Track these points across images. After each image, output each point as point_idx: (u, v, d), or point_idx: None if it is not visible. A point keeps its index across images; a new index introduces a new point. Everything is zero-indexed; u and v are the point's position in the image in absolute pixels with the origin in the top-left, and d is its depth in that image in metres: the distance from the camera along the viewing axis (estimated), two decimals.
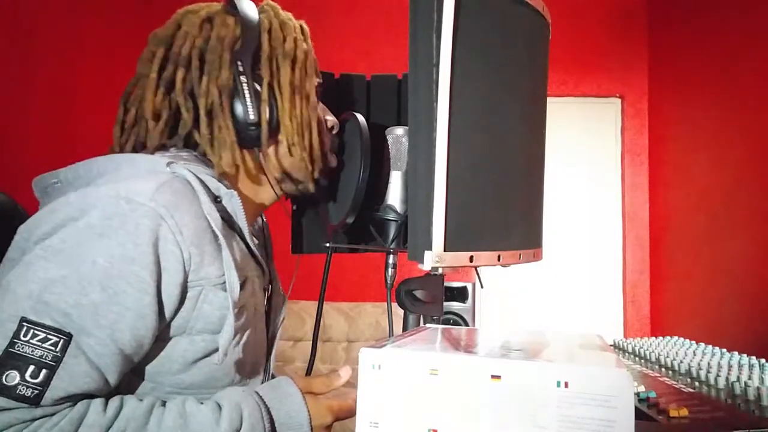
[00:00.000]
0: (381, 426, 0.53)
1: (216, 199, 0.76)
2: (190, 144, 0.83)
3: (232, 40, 0.81)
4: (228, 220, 0.78)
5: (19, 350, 0.59)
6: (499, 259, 0.67)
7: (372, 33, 3.63)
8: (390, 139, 0.88)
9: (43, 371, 0.60)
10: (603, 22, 3.62)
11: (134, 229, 0.65)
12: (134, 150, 0.81)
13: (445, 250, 0.60)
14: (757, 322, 2.38)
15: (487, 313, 3.47)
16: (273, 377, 0.86)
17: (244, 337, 0.77)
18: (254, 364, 0.83)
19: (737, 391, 0.74)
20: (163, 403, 0.69)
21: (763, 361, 0.90)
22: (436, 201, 0.60)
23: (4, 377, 0.58)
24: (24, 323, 0.60)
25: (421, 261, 0.61)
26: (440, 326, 0.77)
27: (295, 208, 1.04)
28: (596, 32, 3.62)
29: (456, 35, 0.60)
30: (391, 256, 0.88)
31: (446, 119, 0.60)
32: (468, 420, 0.50)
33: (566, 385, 0.48)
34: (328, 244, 0.98)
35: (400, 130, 0.88)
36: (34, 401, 0.59)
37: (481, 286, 0.98)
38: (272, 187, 0.88)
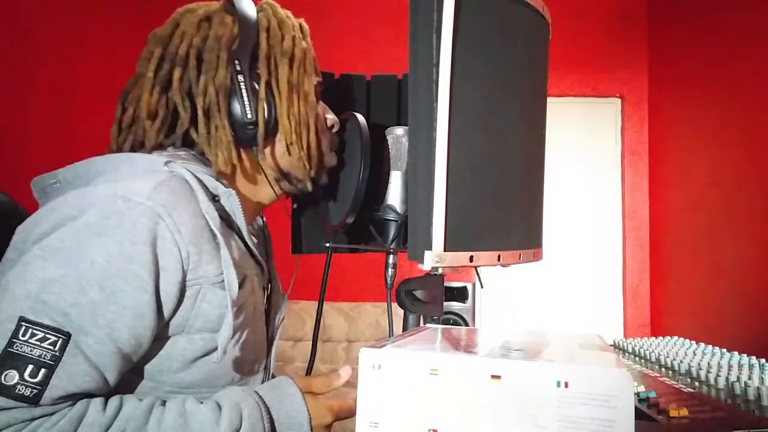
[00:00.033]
0: (381, 426, 0.53)
1: (214, 198, 0.76)
2: (188, 143, 0.83)
3: (230, 39, 0.81)
4: (226, 219, 0.78)
5: (17, 350, 0.59)
6: (499, 259, 0.67)
7: (372, 33, 3.63)
8: (390, 139, 0.88)
9: (42, 370, 0.60)
10: (603, 22, 3.62)
11: (132, 228, 0.65)
12: (132, 149, 0.81)
13: (445, 250, 0.60)
14: (757, 322, 2.38)
15: (487, 313, 3.47)
16: (273, 376, 0.86)
17: (244, 336, 0.77)
18: (254, 363, 0.83)
19: (737, 391, 0.74)
20: (163, 403, 0.68)
21: (763, 361, 0.90)
22: (436, 201, 0.60)
23: (3, 377, 0.58)
24: (22, 323, 0.60)
25: (421, 261, 0.61)
26: (440, 326, 0.77)
27: (295, 206, 1.04)
28: (596, 32, 3.62)
29: (456, 35, 0.60)
30: (391, 256, 0.88)
31: (446, 119, 0.60)
32: (468, 420, 0.50)
33: (566, 385, 0.48)
34: (328, 244, 0.98)
35: (400, 130, 0.88)
36: (33, 401, 0.59)
37: (481, 286, 0.98)
38: (271, 186, 0.88)
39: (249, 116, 0.79)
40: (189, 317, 0.71)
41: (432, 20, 0.60)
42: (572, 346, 0.62)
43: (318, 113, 0.88)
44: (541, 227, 0.81)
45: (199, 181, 0.75)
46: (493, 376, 0.50)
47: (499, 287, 3.38)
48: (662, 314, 3.39)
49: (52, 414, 0.61)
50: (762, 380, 0.77)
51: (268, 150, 0.85)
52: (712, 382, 0.79)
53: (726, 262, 2.66)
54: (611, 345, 1.17)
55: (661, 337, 1.18)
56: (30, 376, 0.59)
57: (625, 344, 1.12)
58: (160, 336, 0.70)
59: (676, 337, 1.15)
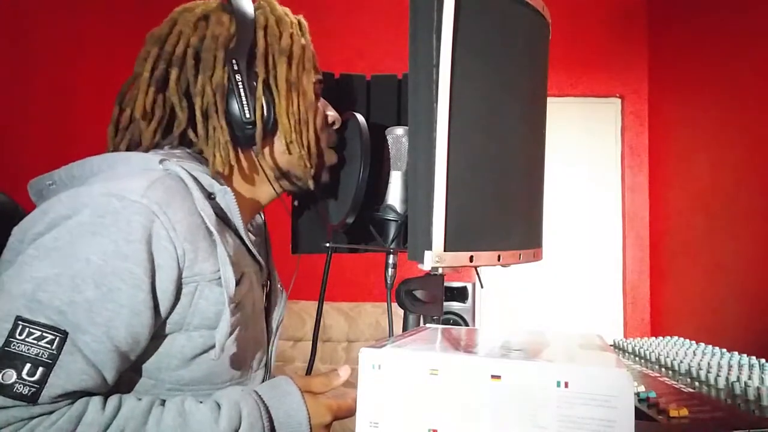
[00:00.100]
0: (381, 426, 0.53)
1: (210, 196, 0.76)
2: (185, 142, 0.83)
3: (228, 38, 0.80)
4: (223, 217, 0.78)
5: (14, 348, 0.59)
6: (499, 259, 0.67)
7: (372, 33, 3.63)
8: (390, 139, 0.88)
9: (40, 369, 0.60)
10: (603, 22, 3.62)
11: (126, 226, 0.65)
12: (128, 150, 0.81)
13: (445, 250, 0.60)
14: (757, 322, 2.38)
15: (487, 313, 3.47)
16: (273, 376, 0.86)
17: (242, 333, 0.77)
18: (254, 360, 0.83)
19: (737, 391, 0.74)
20: (162, 402, 0.69)
21: (763, 361, 0.90)
22: (436, 201, 0.60)
23: (0, 375, 0.59)
24: (19, 322, 0.60)
25: (421, 261, 0.61)
26: (440, 326, 0.77)
27: (296, 204, 1.04)
28: (596, 32, 3.62)
29: (456, 35, 0.60)
30: (391, 256, 0.88)
31: (446, 119, 0.60)
32: (468, 420, 0.50)
33: (566, 385, 0.48)
34: (328, 244, 0.97)
35: (400, 130, 0.88)
36: (32, 399, 0.60)
37: (481, 286, 0.98)
38: (271, 184, 0.88)
39: (247, 116, 0.79)
40: (186, 315, 0.71)
41: (432, 20, 0.60)
42: (572, 346, 0.62)
43: (318, 111, 0.88)
44: (541, 227, 0.81)
45: (194, 178, 0.75)
46: (493, 376, 0.50)
47: (499, 287, 3.38)
48: (662, 314, 3.39)
49: (50, 413, 0.61)
50: (762, 380, 0.77)
51: (267, 149, 0.85)
52: (712, 382, 0.79)
53: (726, 262, 2.66)
54: (611, 345, 1.17)
55: (661, 337, 1.18)
56: (28, 374, 0.59)
57: (625, 344, 1.12)
58: (158, 334, 0.70)
59: (676, 337, 1.15)
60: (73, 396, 0.63)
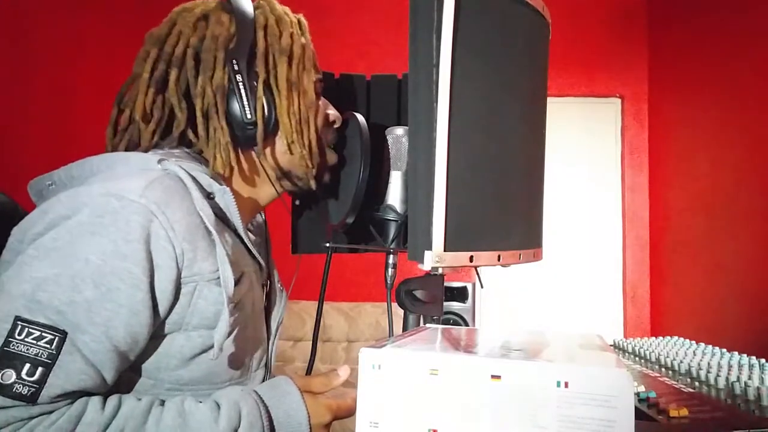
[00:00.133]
0: (381, 426, 0.53)
1: (209, 196, 0.76)
2: (185, 142, 0.82)
3: (227, 38, 0.80)
4: (222, 217, 0.78)
5: (14, 349, 0.59)
6: (499, 259, 0.67)
7: (372, 33, 3.62)
8: (390, 139, 0.88)
9: (39, 369, 0.60)
10: (603, 22, 3.62)
11: (125, 226, 0.65)
12: (128, 150, 0.81)
13: (445, 250, 0.60)
14: (757, 322, 2.38)
15: (487, 313, 3.47)
16: (273, 376, 0.86)
17: (241, 332, 0.77)
18: (253, 360, 0.83)
19: (737, 391, 0.74)
20: (162, 402, 0.69)
21: (763, 361, 0.90)
22: (436, 201, 0.60)
23: (0, 376, 0.59)
24: (18, 322, 0.60)
25: (421, 261, 0.61)
26: (440, 326, 0.77)
27: (297, 203, 1.04)
28: (596, 32, 3.62)
29: (456, 35, 0.60)
30: (391, 256, 0.88)
31: (446, 119, 0.60)
32: (468, 420, 0.50)
33: (566, 385, 0.48)
34: (328, 244, 0.97)
35: (400, 130, 0.88)
36: (31, 399, 0.60)
37: (481, 286, 0.98)
38: (272, 184, 0.88)
39: (248, 116, 0.79)
40: (185, 314, 0.71)
41: (432, 20, 0.60)
42: (572, 346, 0.62)
43: (318, 110, 0.88)
44: (541, 227, 0.81)
45: (193, 178, 0.74)
46: (493, 376, 0.50)
47: (499, 287, 3.38)
48: (662, 314, 3.38)
49: (50, 413, 0.61)
50: (762, 380, 0.77)
51: (268, 150, 0.85)
52: (712, 382, 0.79)
53: (726, 262, 2.66)
54: (611, 345, 1.17)
55: (661, 337, 1.18)
56: (27, 374, 0.59)
57: (625, 344, 1.12)
58: (158, 333, 0.70)
59: (676, 337, 1.15)
60: (72, 396, 0.63)
